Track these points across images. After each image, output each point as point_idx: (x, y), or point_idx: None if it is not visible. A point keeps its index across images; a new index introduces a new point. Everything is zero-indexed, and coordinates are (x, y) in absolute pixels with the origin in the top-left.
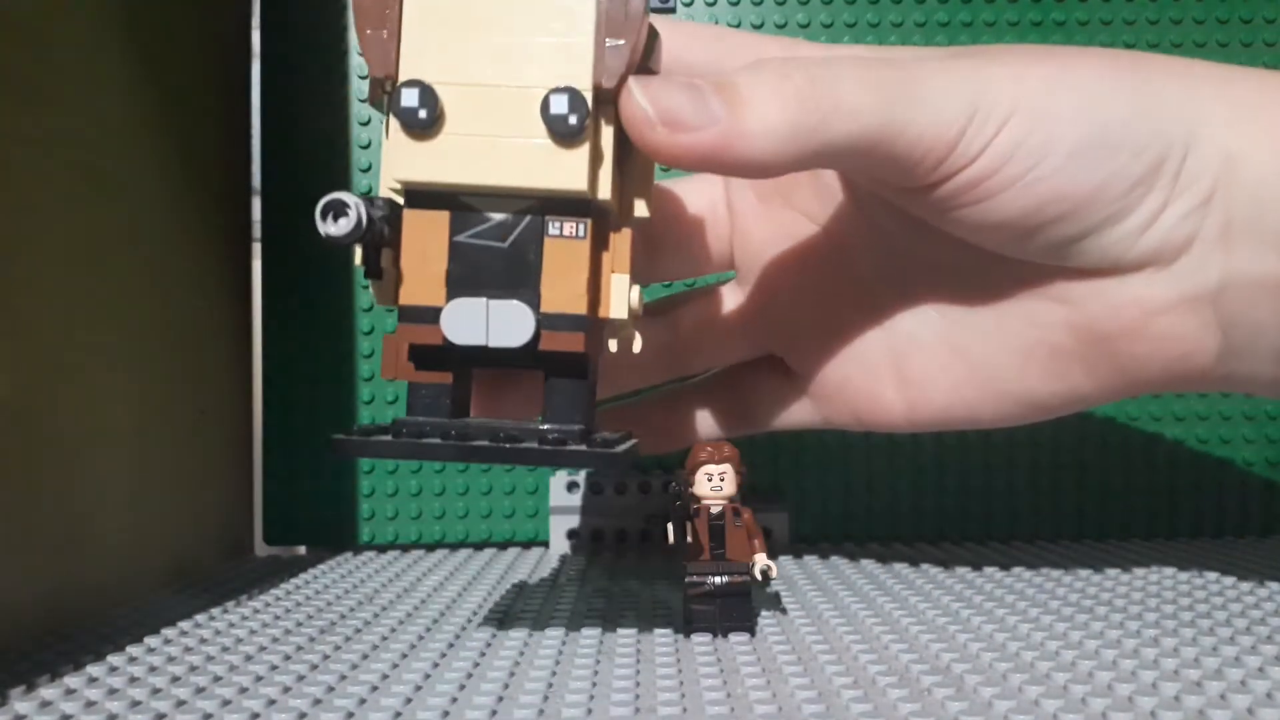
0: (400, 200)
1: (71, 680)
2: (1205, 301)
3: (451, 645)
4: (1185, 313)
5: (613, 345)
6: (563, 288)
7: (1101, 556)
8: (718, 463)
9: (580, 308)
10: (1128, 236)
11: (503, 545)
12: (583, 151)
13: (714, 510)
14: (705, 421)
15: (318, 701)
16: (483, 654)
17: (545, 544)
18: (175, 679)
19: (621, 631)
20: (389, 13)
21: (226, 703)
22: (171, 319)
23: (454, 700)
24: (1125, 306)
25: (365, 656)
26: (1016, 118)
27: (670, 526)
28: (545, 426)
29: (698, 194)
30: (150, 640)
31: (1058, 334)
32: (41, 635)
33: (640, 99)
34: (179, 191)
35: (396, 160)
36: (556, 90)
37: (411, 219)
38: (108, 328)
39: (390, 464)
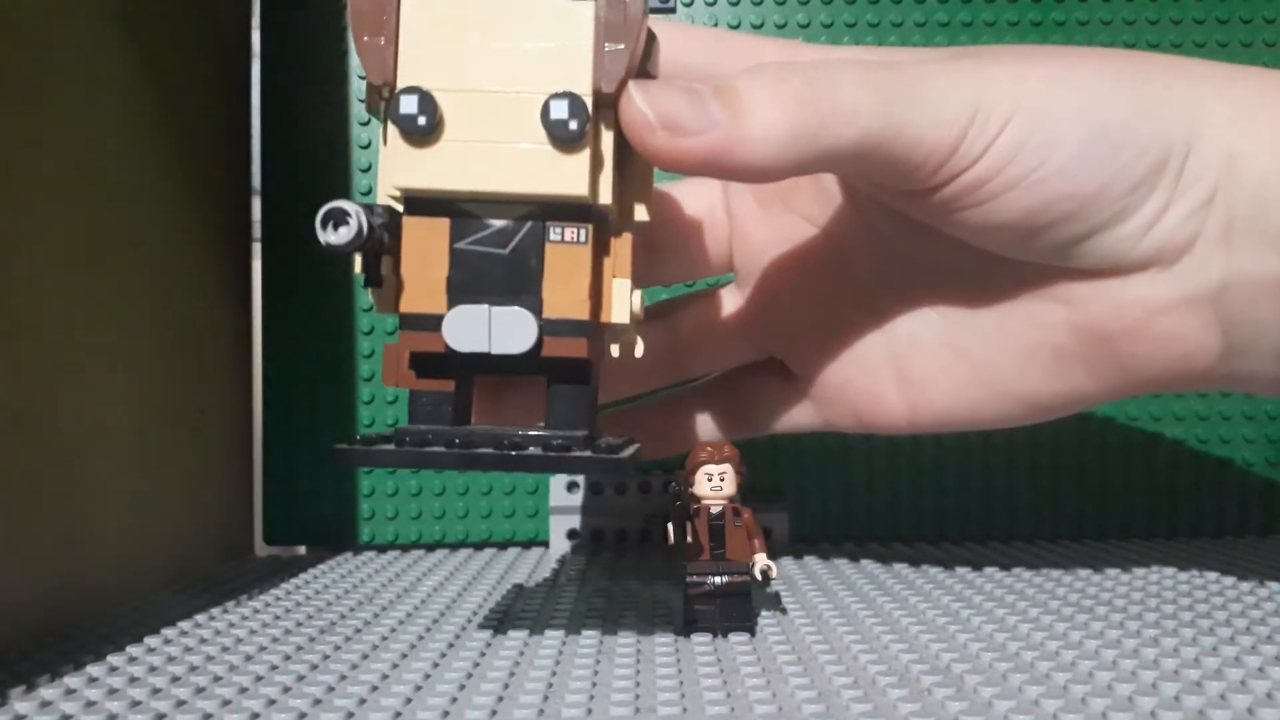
0: (399, 207)
1: (72, 680)
2: (1207, 301)
3: (451, 645)
4: (1187, 313)
5: (614, 350)
6: (565, 293)
7: (1101, 556)
8: (718, 463)
9: (583, 313)
10: (1131, 237)
11: (503, 545)
12: (583, 156)
13: (714, 510)
14: (705, 425)
15: (318, 701)
16: (483, 654)
17: (545, 544)
18: (175, 679)
19: (621, 632)
20: (386, 19)
21: (227, 703)
22: (171, 319)
23: (454, 700)
24: (1127, 307)
25: (365, 656)
26: (1018, 118)
27: (670, 526)
28: (549, 433)
29: (696, 197)
30: (150, 640)
31: (1059, 335)
32: (41, 635)
33: (640, 103)
34: (179, 191)
35: (395, 167)
36: (556, 95)
37: (411, 226)
38: (108, 328)
39: None
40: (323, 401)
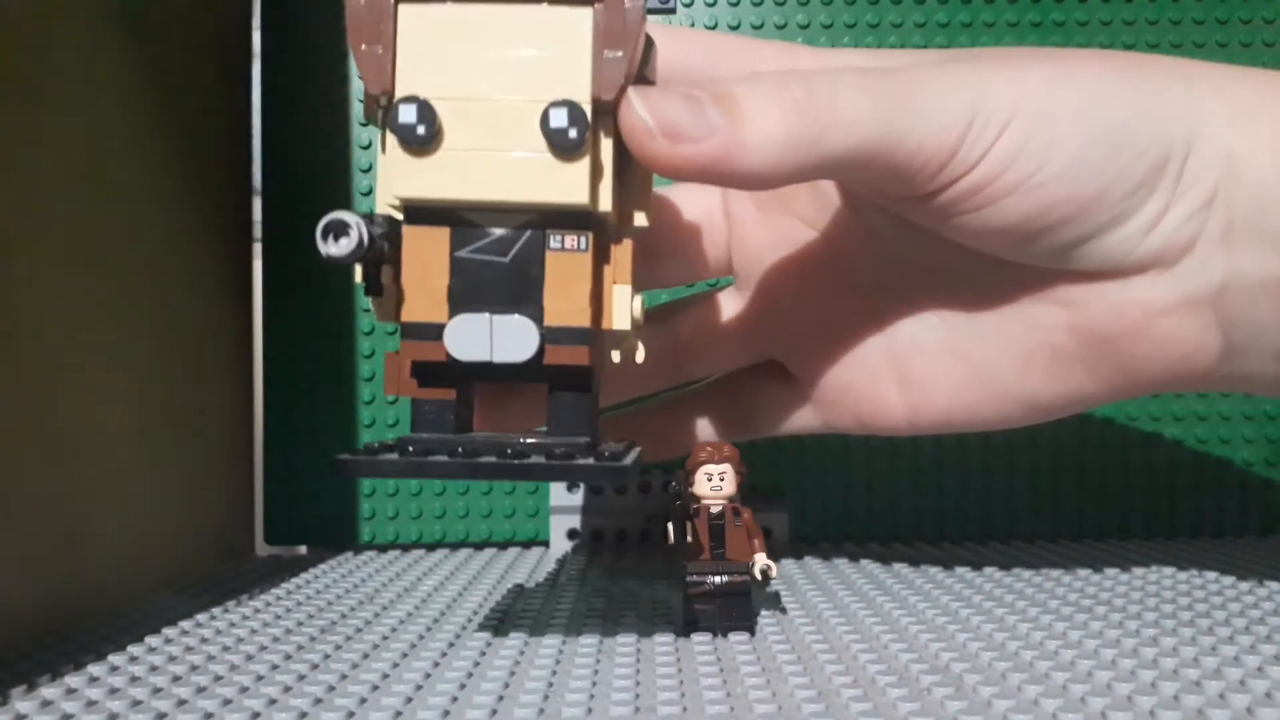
0: (399, 216)
1: (72, 680)
2: (1207, 302)
3: (452, 645)
4: (1187, 314)
5: (615, 356)
6: (566, 301)
7: (1101, 556)
8: (718, 463)
9: (584, 320)
10: (1131, 239)
11: (503, 545)
12: (583, 164)
13: (714, 510)
14: (706, 428)
15: (318, 701)
16: (483, 654)
17: (545, 544)
18: (176, 678)
19: (621, 631)
20: (384, 28)
21: (227, 702)
22: (171, 319)
23: (454, 700)
24: (1128, 308)
25: (365, 656)
26: (1017, 121)
27: (670, 526)
28: (551, 440)
29: (694, 200)
30: (151, 640)
31: (1059, 336)
32: (42, 635)
33: (640, 110)
34: (179, 191)
35: (395, 177)
36: (556, 104)
37: (411, 235)
38: (108, 328)
39: None
40: (323, 401)
